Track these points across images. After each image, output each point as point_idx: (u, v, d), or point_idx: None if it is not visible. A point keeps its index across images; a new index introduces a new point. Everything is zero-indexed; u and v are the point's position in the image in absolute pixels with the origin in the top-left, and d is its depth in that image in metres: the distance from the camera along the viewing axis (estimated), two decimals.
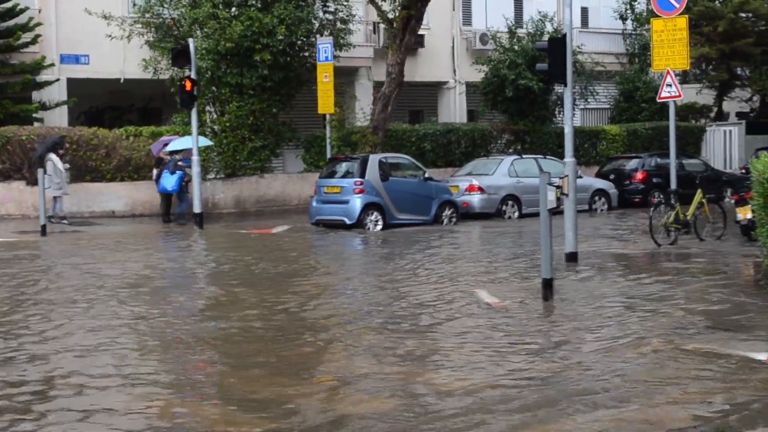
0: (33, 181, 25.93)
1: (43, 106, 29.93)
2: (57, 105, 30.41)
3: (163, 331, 11.47)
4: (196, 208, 24.88)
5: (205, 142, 27.37)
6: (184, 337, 11.10)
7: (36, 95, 30.52)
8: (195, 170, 25.12)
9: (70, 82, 31.39)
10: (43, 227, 23.01)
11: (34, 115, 29.78)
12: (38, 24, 29.95)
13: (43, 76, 30.21)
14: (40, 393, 8.64)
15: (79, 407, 8.13)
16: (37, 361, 9.83)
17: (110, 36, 29.30)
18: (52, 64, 30.53)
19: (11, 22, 29.36)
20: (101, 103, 35.72)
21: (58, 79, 30.80)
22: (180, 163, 25.74)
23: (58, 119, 30.68)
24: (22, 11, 29.44)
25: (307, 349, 10.45)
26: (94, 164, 27.63)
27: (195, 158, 25.09)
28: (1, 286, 15.05)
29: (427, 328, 11.47)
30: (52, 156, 25.22)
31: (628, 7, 41.14)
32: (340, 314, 12.57)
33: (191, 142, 25.90)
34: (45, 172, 24.83)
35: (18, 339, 10.94)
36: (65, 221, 25.19)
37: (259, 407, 8.09)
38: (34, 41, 29.76)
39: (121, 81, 32.32)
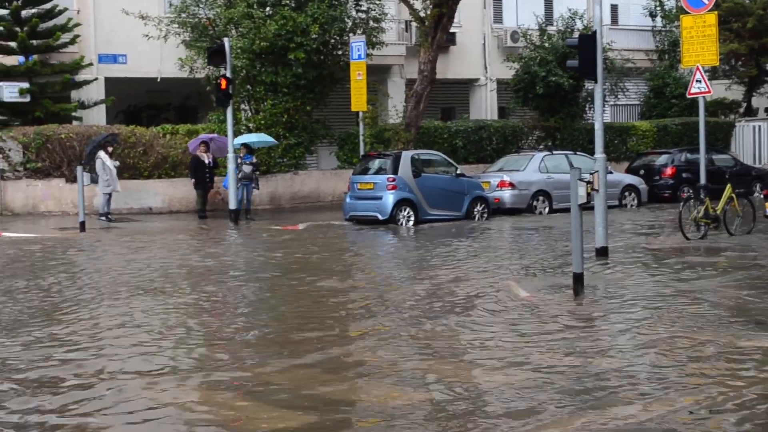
0: (72, 179, 26.44)
1: (82, 105, 30.40)
2: (95, 104, 30.88)
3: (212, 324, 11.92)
4: (231, 205, 25.31)
5: (267, 138, 27.87)
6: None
7: (75, 94, 31.03)
8: (230, 167, 25.54)
9: (108, 81, 31.88)
10: (82, 224, 23.45)
11: (73, 114, 30.28)
12: (77, 24, 30.40)
13: (82, 76, 30.69)
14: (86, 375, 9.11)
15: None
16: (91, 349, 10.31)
17: (147, 36, 29.74)
18: (91, 64, 30.99)
19: (51, 23, 29.85)
20: (139, 101, 36.23)
21: (96, 79, 31.30)
22: (239, 160, 26.27)
23: (96, 118, 31.18)
24: (61, 12, 29.92)
25: (338, 340, 10.68)
26: (132, 162, 28.13)
27: (230, 156, 25.54)
28: (50, 281, 15.55)
29: (459, 320, 11.66)
30: (101, 154, 25.73)
31: (658, 4, 41.19)
32: (373, 307, 12.85)
33: (254, 138, 26.72)
34: (94, 170, 25.47)
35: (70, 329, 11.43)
36: (103, 218, 25.66)
37: (289, 399, 8.31)
38: (72, 41, 30.25)
39: (158, 80, 32.76)
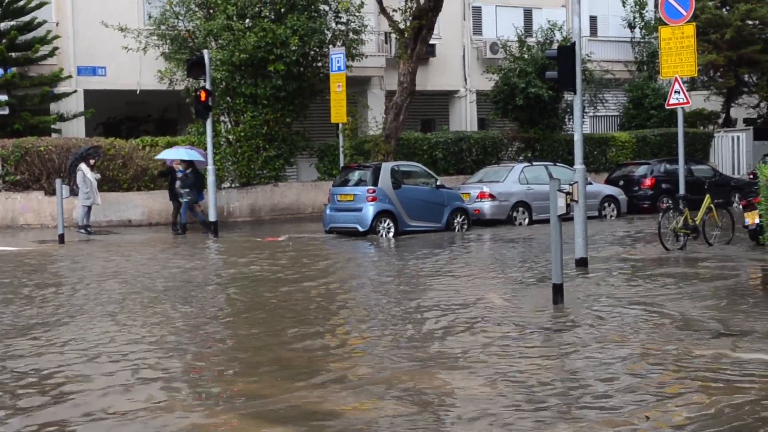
0: (51, 192, 26.37)
1: (61, 118, 30.36)
2: (75, 116, 30.85)
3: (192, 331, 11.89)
4: (212, 217, 25.25)
5: (197, 155, 26.84)
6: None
7: (54, 107, 31.00)
8: (210, 179, 25.50)
9: (88, 93, 31.88)
10: (61, 236, 23.40)
11: (53, 126, 30.24)
12: (56, 37, 30.44)
13: (61, 88, 30.69)
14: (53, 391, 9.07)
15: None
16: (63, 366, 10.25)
17: (126, 48, 29.70)
18: (70, 76, 31.03)
19: (29, 36, 29.86)
20: (118, 114, 36.18)
21: (75, 91, 31.31)
22: (179, 174, 26.25)
23: (75, 130, 31.14)
24: (40, 24, 29.92)
25: (317, 352, 10.68)
26: (111, 174, 28.03)
27: (210, 168, 25.52)
28: (24, 295, 15.47)
29: (438, 331, 11.67)
30: (82, 166, 25.65)
31: (637, 15, 41.42)
32: (351, 318, 12.88)
33: (171, 153, 26.42)
34: (75, 182, 25.42)
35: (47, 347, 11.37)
36: (83, 231, 25.55)
37: (266, 410, 8.32)
38: (51, 54, 30.27)
39: (138, 92, 32.76)
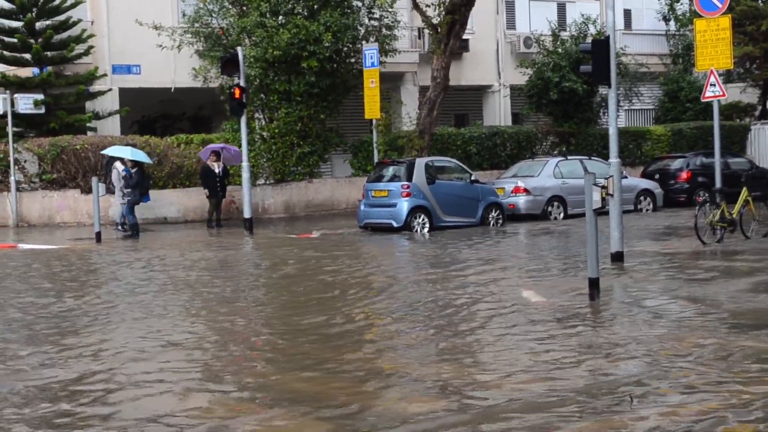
0: (88, 190, 26.55)
1: (97, 116, 30.53)
2: (110, 114, 31.03)
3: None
4: (246, 214, 25.32)
5: (142, 156, 26.11)
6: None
7: (89, 105, 31.18)
8: (245, 176, 25.59)
9: (123, 91, 32.04)
10: (98, 234, 23.52)
11: (88, 124, 30.43)
12: (91, 35, 30.64)
13: (96, 87, 30.87)
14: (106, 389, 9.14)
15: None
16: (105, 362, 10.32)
17: (161, 46, 29.86)
18: (105, 75, 31.20)
19: (65, 35, 30.06)
20: (153, 112, 36.34)
21: (110, 89, 31.47)
22: (123, 173, 25.72)
23: (111, 129, 31.32)
24: (75, 23, 30.12)
25: (351, 347, 10.70)
26: (147, 172, 28.12)
27: (245, 165, 25.62)
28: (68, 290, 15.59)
29: (473, 327, 11.67)
30: (117, 164, 25.77)
31: (671, 8, 41.17)
32: (387, 313, 12.87)
33: (124, 152, 25.85)
34: (111, 180, 25.53)
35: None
36: (119, 229, 25.67)
37: (304, 405, 8.32)
38: (87, 52, 30.45)
39: (172, 90, 32.90)
